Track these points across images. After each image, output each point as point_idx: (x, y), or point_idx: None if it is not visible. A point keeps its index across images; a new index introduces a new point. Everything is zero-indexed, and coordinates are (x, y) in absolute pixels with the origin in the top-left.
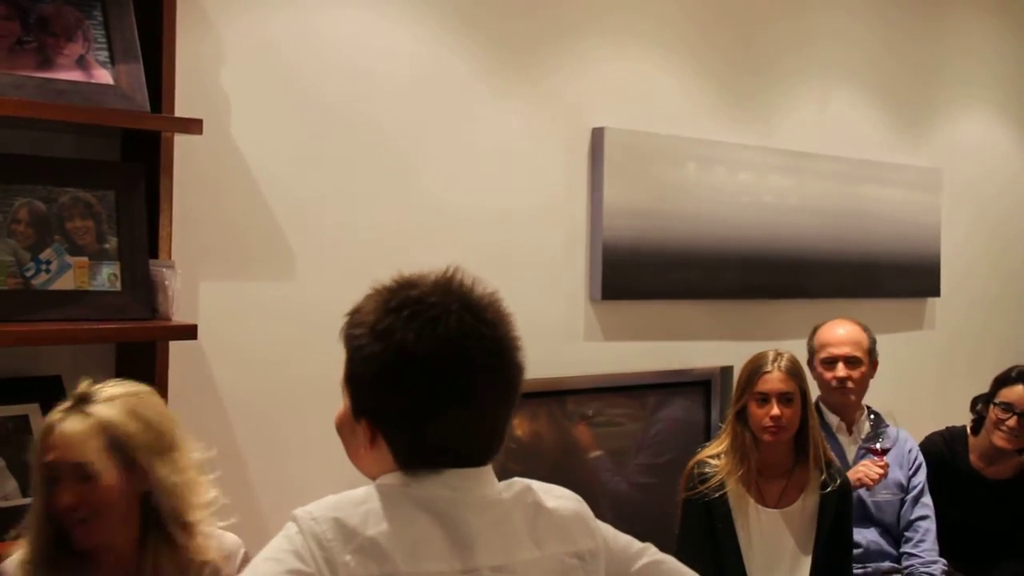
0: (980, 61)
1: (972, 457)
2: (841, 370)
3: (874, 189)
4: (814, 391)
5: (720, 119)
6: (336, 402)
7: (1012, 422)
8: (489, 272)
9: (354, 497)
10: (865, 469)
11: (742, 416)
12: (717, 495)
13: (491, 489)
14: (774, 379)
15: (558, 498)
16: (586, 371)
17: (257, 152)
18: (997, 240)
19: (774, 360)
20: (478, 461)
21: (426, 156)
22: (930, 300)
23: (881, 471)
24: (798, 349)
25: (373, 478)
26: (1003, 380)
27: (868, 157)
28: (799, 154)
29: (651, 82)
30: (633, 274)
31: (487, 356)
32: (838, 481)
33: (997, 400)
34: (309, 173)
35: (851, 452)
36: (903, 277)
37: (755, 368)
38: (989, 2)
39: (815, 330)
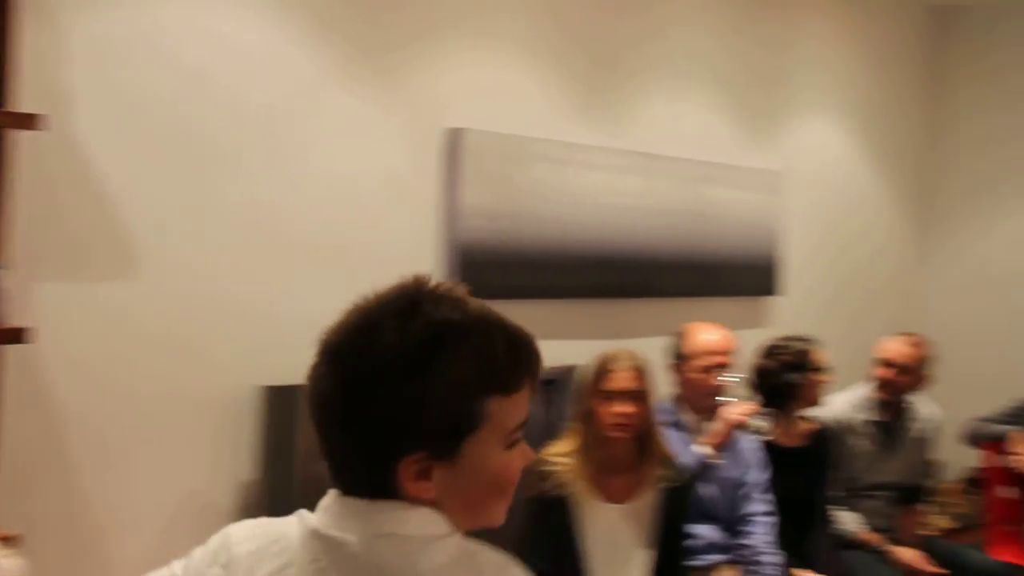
0: (824, 67)
1: None
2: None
3: (720, 191)
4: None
5: (574, 121)
6: (171, 405)
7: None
8: (341, 277)
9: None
10: (737, 410)
11: (588, 414)
12: (560, 492)
13: (351, 524)
14: (622, 377)
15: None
16: None
17: (101, 151)
18: (834, 241)
19: (623, 359)
20: (342, 489)
21: (275, 161)
22: (771, 298)
23: (747, 407)
24: (647, 347)
25: None
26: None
27: (715, 159)
28: (649, 156)
29: (507, 84)
30: (489, 274)
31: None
32: (677, 476)
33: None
34: (154, 174)
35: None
36: (746, 276)
37: (602, 367)
38: (833, 10)
39: (682, 334)
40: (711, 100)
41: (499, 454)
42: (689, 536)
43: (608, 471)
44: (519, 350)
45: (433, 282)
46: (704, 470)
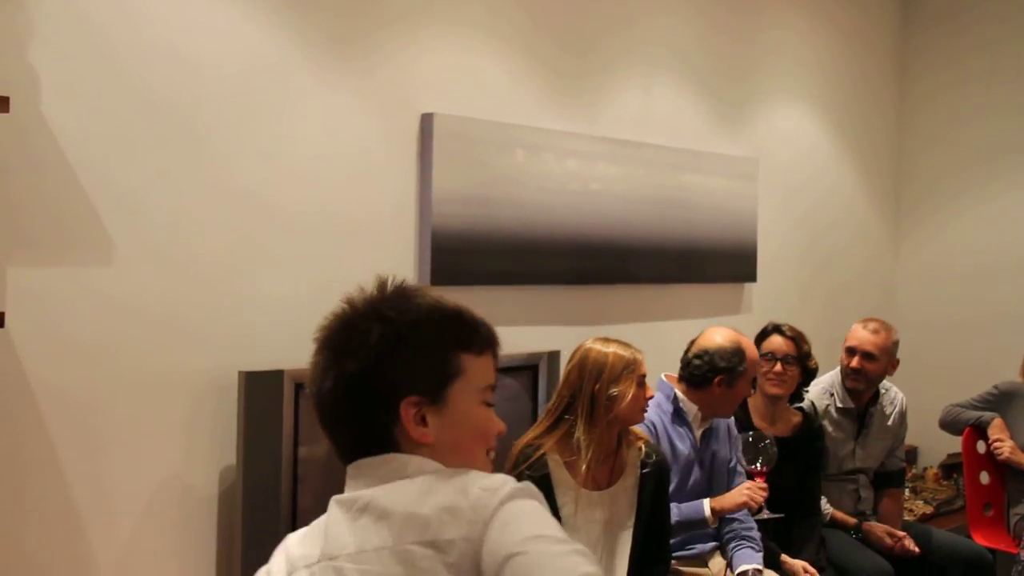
0: (794, 55)
1: (755, 418)
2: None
3: (696, 178)
4: None
5: (549, 107)
6: (151, 389)
7: (777, 367)
8: (316, 260)
9: None
10: (750, 492)
11: (590, 402)
12: (541, 477)
13: (364, 481)
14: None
15: (449, 493)
16: None
17: (72, 134)
18: (808, 228)
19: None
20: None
21: (249, 144)
22: (747, 285)
23: (765, 494)
24: (624, 333)
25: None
26: (761, 336)
27: (690, 146)
28: (625, 143)
29: (481, 68)
30: (463, 260)
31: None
32: (655, 459)
33: (761, 353)
34: (127, 156)
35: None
36: (722, 263)
37: (633, 358)
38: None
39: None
40: (683, 87)
41: (478, 407)
42: (670, 516)
43: (593, 458)
44: (476, 323)
45: (401, 280)
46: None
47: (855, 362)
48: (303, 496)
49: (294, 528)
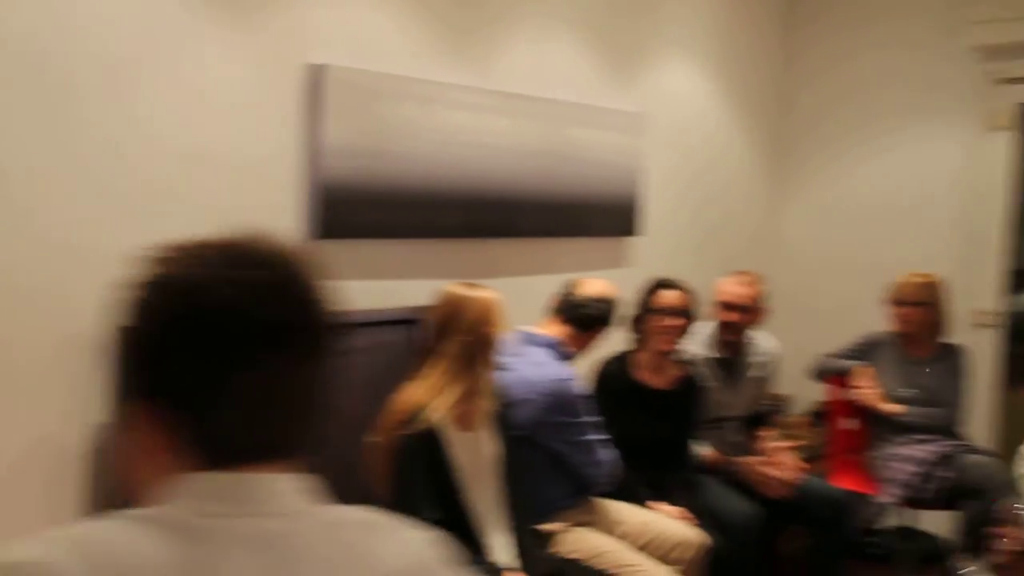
0: (686, 10)
1: (639, 372)
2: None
3: (583, 131)
4: None
5: (441, 60)
6: (28, 350)
7: (670, 321)
8: (199, 219)
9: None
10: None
11: (465, 347)
12: (428, 426)
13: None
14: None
15: (401, 542)
16: None
17: None
18: (695, 184)
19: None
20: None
21: (130, 98)
22: (632, 239)
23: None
24: (510, 286)
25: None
26: (651, 291)
27: (578, 100)
28: (515, 96)
29: (371, 22)
30: (352, 213)
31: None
32: (502, 401)
33: (652, 307)
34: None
35: None
36: (608, 217)
37: (498, 299)
38: None
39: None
40: (575, 40)
41: None
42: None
43: (464, 402)
44: None
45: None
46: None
47: (729, 315)
48: None
49: None
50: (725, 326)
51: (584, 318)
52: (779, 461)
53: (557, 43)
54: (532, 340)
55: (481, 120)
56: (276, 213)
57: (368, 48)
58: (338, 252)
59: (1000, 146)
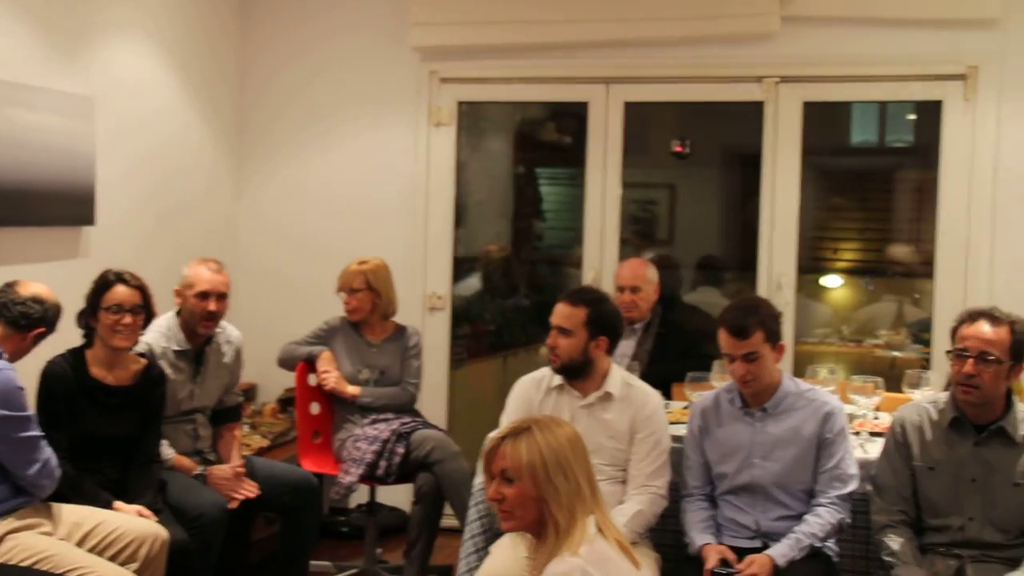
0: None
1: (93, 369)
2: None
3: (27, 114)
4: None
5: None
6: None
7: (120, 317)
8: None
9: None
10: None
11: None
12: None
13: None
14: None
15: None
16: None
17: None
18: (152, 171)
19: None
20: None
21: None
22: (85, 228)
23: None
24: None
25: None
26: (103, 286)
27: (21, 80)
28: None
29: None
30: None
31: None
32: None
33: (102, 304)
34: None
35: None
36: (55, 205)
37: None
38: None
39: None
40: (13, 16)
41: None
42: None
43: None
44: None
45: None
46: None
47: (204, 305)
48: None
49: None
50: (205, 315)
51: (19, 317)
52: (224, 476)
53: None
54: None
55: None
56: None
57: None
58: None
59: (444, 141)
